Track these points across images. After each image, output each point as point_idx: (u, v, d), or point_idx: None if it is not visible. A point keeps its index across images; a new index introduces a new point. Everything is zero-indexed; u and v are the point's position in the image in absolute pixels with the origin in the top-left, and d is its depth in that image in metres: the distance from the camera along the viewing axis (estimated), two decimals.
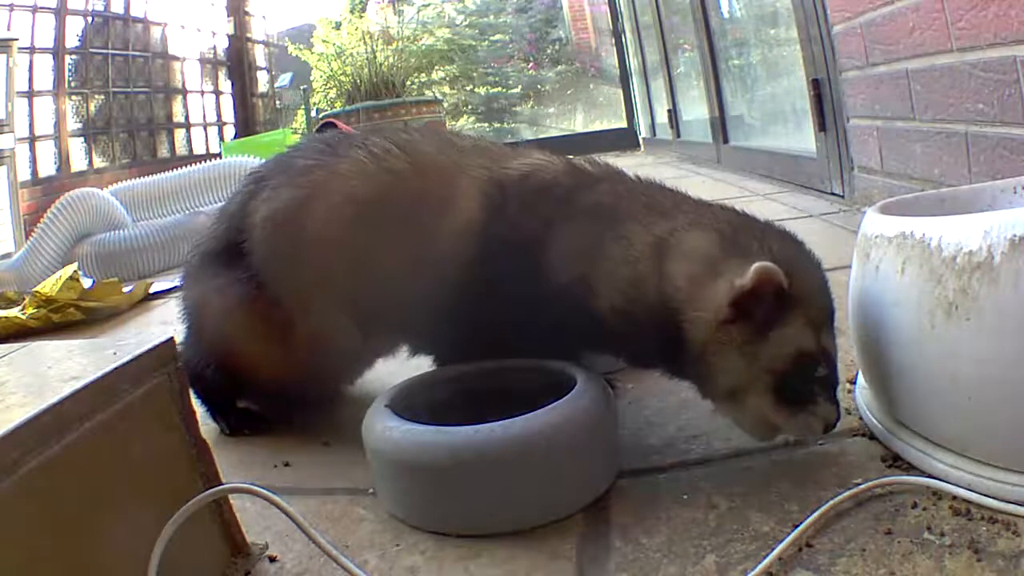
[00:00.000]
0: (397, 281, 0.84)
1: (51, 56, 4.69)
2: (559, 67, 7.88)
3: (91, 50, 5.00)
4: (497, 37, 7.77)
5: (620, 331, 0.75)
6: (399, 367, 0.94)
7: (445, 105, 6.24)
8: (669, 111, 4.40)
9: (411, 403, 0.77)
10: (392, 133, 0.92)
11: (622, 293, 0.74)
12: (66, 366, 0.57)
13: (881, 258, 0.68)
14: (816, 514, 0.60)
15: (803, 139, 2.31)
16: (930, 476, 0.63)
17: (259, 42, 6.86)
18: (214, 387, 0.95)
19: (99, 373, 0.54)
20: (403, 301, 0.85)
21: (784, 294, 0.65)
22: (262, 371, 0.91)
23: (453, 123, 7.20)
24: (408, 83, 5.39)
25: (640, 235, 0.74)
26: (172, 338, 0.62)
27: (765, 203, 2.20)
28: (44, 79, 4.64)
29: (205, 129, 6.17)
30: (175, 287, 2.20)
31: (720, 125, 3.32)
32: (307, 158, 0.91)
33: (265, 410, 0.99)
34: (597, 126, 7.22)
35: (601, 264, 0.75)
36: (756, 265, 0.65)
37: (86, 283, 1.88)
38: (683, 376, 0.75)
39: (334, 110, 5.09)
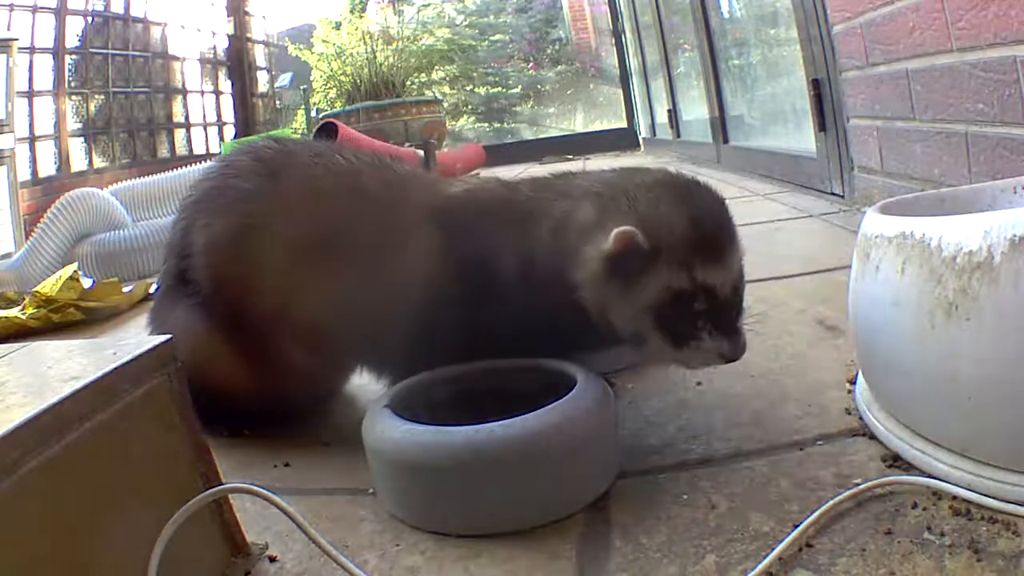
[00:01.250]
0: (348, 310, 0.86)
1: (51, 56, 4.69)
2: (559, 67, 7.88)
3: (91, 50, 5.01)
4: (497, 37, 7.78)
5: (568, 320, 0.79)
6: None
7: (445, 105, 6.24)
8: (669, 111, 4.40)
9: (411, 403, 0.77)
10: (331, 156, 0.93)
11: (548, 281, 0.78)
12: (66, 366, 0.57)
13: (881, 258, 0.68)
14: (816, 514, 0.60)
15: (803, 139, 2.31)
16: (930, 476, 0.63)
17: (259, 42, 6.86)
18: (202, 401, 0.95)
19: (99, 373, 0.54)
20: (356, 330, 0.87)
21: (645, 252, 0.72)
22: (237, 395, 0.91)
23: (453, 123, 7.20)
24: (408, 83, 5.39)
25: (546, 222, 0.80)
26: (172, 338, 0.62)
27: (765, 203, 2.21)
28: (44, 79, 4.65)
29: (205, 129, 6.17)
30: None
31: (720, 125, 3.32)
32: (245, 181, 0.91)
33: (254, 415, 0.98)
34: (597, 126, 7.22)
35: (533, 262, 0.80)
36: (614, 232, 0.72)
37: (86, 283, 1.88)
38: (612, 337, 0.80)
39: (334, 110, 5.09)
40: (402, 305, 0.84)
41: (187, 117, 5.95)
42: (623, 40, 5.66)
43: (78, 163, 4.88)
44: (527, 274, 0.80)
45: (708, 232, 0.75)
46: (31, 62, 4.52)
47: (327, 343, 0.89)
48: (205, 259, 0.90)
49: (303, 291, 0.87)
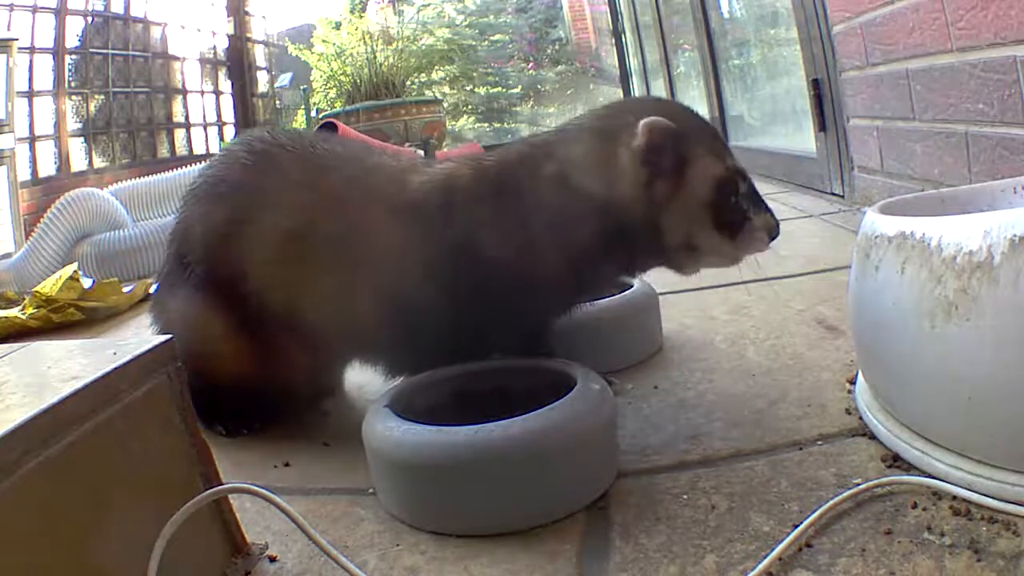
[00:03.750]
0: (341, 300, 0.86)
1: (51, 56, 4.69)
2: (559, 67, 7.88)
3: (91, 50, 5.00)
4: (497, 37, 7.77)
5: (587, 262, 0.79)
6: None
7: (445, 105, 6.24)
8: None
9: (411, 403, 0.77)
10: (316, 148, 0.93)
11: (568, 224, 0.77)
12: (66, 366, 0.57)
13: (881, 258, 0.68)
14: (816, 514, 0.60)
15: (803, 139, 2.31)
16: (930, 476, 0.63)
17: (259, 42, 6.86)
18: (200, 397, 0.95)
19: (99, 373, 0.54)
20: (350, 321, 0.87)
21: (678, 136, 0.72)
22: (230, 379, 0.91)
23: (453, 123, 7.19)
24: (408, 83, 5.38)
25: (545, 169, 0.79)
26: (172, 338, 0.62)
27: None
28: (44, 79, 4.64)
29: (205, 129, 6.17)
30: None
31: (720, 125, 3.32)
32: (237, 173, 0.93)
33: (255, 411, 0.98)
34: None
35: (540, 214, 0.79)
36: (641, 123, 0.72)
37: (86, 283, 1.88)
38: (648, 259, 0.81)
39: (334, 110, 5.09)
40: (400, 293, 0.83)
41: (187, 117, 5.95)
42: (623, 40, 5.66)
43: (78, 163, 4.88)
44: (533, 233, 0.79)
45: (711, 125, 0.78)
46: (31, 62, 4.52)
47: (319, 334, 0.89)
48: (202, 248, 0.91)
49: (291, 283, 0.87)
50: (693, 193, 0.73)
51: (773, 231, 0.77)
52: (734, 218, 0.74)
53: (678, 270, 0.82)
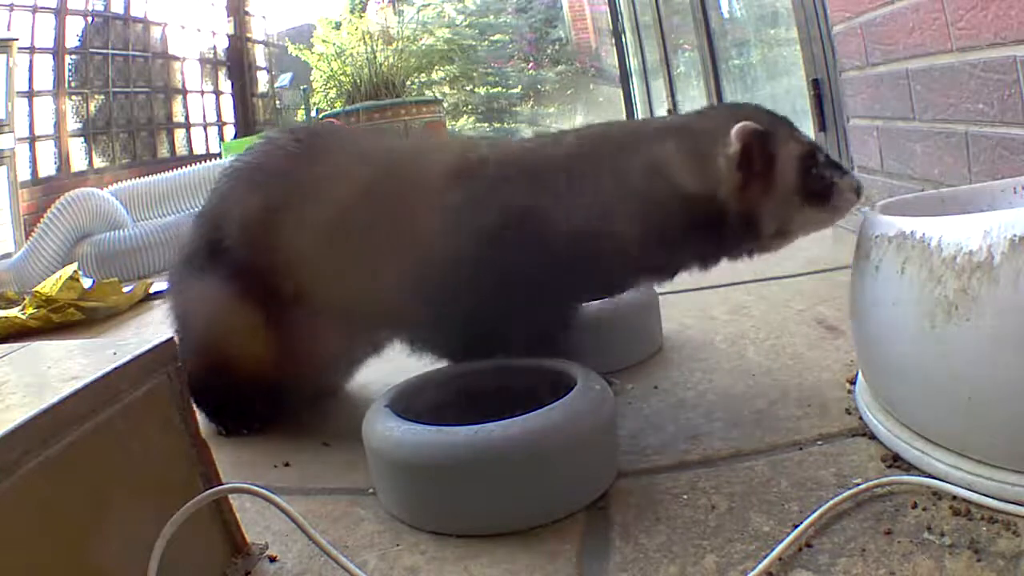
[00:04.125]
0: (390, 279, 0.86)
1: (51, 56, 4.69)
2: (559, 67, 7.88)
3: (91, 50, 5.00)
4: (497, 37, 7.77)
5: (650, 250, 0.82)
6: (400, 367, 0.94)
7: (445, 105, 6.24)
8: (669, 111, 4.39)
9: (411, 403, 0.77)
10: (362, 136, 0.95)
11: (653, 212, 0.81)
12: (66, 366, 0.57)
13: (881, 258, 0.68)
14: (816, 514, 0.60)
15: None
16: (930, 476, 0.63)
17: (259, 42, 6.85)
18: (208, 388, 0.94)
19: (99, 373, 0.54)
20: (401, 298, 0.86)
21: (764, 135, 0.77)
22: (250, 369, 0.91)
23: (453, 123, 7.19)
24: (408, 83, 5.38)
25: (636, 158, 0.82)
26: (172, 338, 0.62)
27: None
28: (44, 79, 4.64)
29: (205, 129, 6.17)
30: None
31: None
32: (281, 158, 0.93)
33: (260, 409, 0.98)
34: None
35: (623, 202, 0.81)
36: (733, 130, 0.76)
37: (86, 283, 1.89)
38: (727, 249, 0.83)
39: (334, 110, 5.08)
40: (446, 267, 0.83)
41: (187, 117, 5.95)
42: (623, 40, 5.65)
43: (78, 163, 4.88)
44: (614, 210, 0.81)
45: (779, 115, 0.83)
46: (31, 62, 4.51)
47: (358, 322, 0.90)
48: (240, 233, 0.90)
49: (341, 261, 0.87)
50: (783, 182, 0.78)
51: (859, 188, 0.81)
52: (822, 188, 0.79)
53: (764, 252, 0.85)
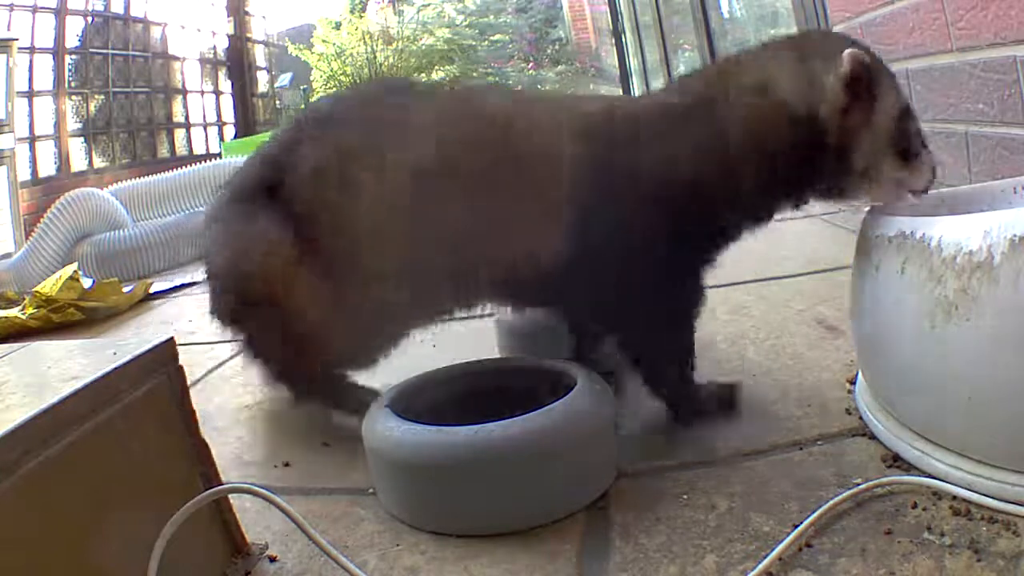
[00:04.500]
0: (495, 238, 0.82)
1: (51, 56, 4.69)
2: (559, 67, 7.88)
3: (91, 50, 5.00)
4: (497, 37, 7.77)
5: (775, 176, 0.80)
6: (400, 367, 0.94)
7: None
8: None
9: (411, 403, 0.77)
10: (458, 88, 0.91)
11: (766, 134, 0.79)
12: (66, 366, 0.57)
13: (881, 258, 0.68)
14: (816, 514, 0.60)
15: None
16: (930, 476, 0.63)
17: (259, 42, 6.86)
18: (262, 339, 0.92)
19: (99, 373, 0.54)
20: (511, 260, 0.83)
21: (874, 68, 0.76)
22: (303, 324, 0.86)
23: None
24: None
25: (744, 79, 0.81)
26: (172, 338, 0.62)
27: None
28: (44, 79, 4.64)
29: (205, 129, 6.17)
30: (176, 286, 2.22)
31: None
32: (368, 108, 0.88)
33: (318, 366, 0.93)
34: None
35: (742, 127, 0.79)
36: (846, 54, 0.74)
37: (86, 283, 1.88)
38: (821, 184, 0.81)
39: None
40: (565, 223, 0.80)
41: (187, 117, 5.95)
42: (623, 40, 5.65)
43: (78, 163, 4.88)
44: (726, 157, 0.79)
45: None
46: (31, 62, 4.52)
47: (432, 279, 0.85)
48: (310, 182, 0.85)
49: (430, 220, 0.83)
50: (881, 122, 0.77)
51: (936, 171, 0.79)
52: (913, 147, 0.78)
53: (842, 199, 0.83)
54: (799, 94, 0.78)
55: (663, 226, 0.79)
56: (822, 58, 0.78)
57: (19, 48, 4.23)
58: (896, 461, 0.68)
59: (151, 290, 2.12)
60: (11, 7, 4.36)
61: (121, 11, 5.31)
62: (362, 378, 1.04)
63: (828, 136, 0.77)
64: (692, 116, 0.81)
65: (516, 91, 0.94)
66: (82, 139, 4.97)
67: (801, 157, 0.79)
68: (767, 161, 0.79)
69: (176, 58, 5.85)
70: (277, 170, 0.88)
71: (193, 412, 0.63)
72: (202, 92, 6.18)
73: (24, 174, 4.30)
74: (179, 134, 5.85)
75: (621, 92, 5.83)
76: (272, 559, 0.66)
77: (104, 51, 5.11)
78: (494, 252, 0.83)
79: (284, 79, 7.29)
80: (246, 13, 6.63)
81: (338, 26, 6.13)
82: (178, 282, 2.25)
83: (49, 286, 1.85)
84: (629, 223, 0.79)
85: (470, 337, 1.14)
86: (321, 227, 0.85)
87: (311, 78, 6.16)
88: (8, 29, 4.29)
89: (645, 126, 0.83)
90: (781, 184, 0.82)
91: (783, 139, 0.78)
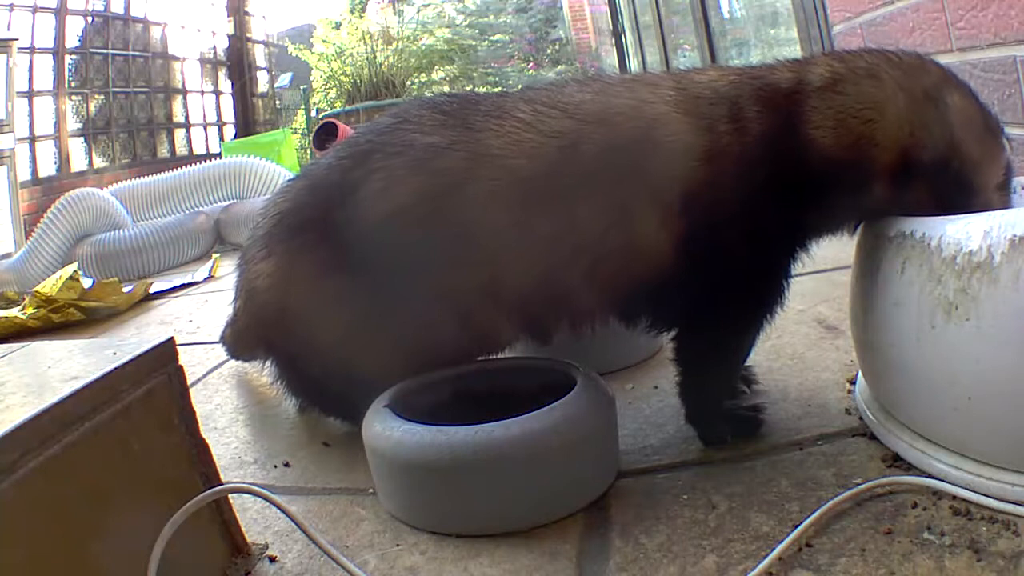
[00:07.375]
0: (597, 251, 0.75)
1: (51, 56, 4.69)
2: (559, 67, 7.88)
3: (91, 50, 5.00)
4: (497, 37, 7.77)
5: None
6: None
7: None
8: None
9: (411, 403, 0.77)
10: (527, 93, 0.80)
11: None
12: (66, 366, 0.57)
13: (881, 258, 0.68)
14: (816, 514, 0.60)
15: None
16: (930, 476, 0.63)
17: (259, 42, 6.85)
18: (315, 379, 0.87)
19: (99, 373, 0.54)
20: (607, 273, 0.76)
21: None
22: (380, 365, 0.81)
23: None
24: (408, 83, 5.38)
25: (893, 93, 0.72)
26: (172, 338, 0.62)
27: None
28: (44, 79, 4.64)
29: (205, 129, 6.17)
30: (177, 286, 2.22)
31: None
32: (430, 134, 0.79)
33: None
34: None
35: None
36: (1006, 150, 0.72)
37: (86, 283, 1.89)
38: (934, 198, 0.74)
39: (334, 110, 5.09)
40: (684, 223, 0.73)
41: (187, 117, 5.95)
42: (623, 40, 5.65)
43: (78, 163, 4.88)
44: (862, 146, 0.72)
45: None
46: (31, 62, 4.51)
47: (548, 306, 0.79)
48: (390, 226, 0.77)
49: (529, 243, 0.76)
50: (1002, 150, 0.73)
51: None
52: (1006, 187, 0.74)
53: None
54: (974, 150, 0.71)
55: (786, 221, 0.76)
56: (991, 131, 0.72)
57: (19, 48, 4.23)
58: (896, 461, 0.68)
59: (151, 290, 2.12)
60: (11, 7, 4.36)
61: (121, 11, 5.31)
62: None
63: (977, 188, 0.71)
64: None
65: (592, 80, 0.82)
66: (82, 139, 4.96)
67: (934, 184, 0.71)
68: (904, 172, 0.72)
69: (176, 58, 5.85)
70: (336, 205, 0.80)
71: (193, 412, 0.63)
72: (202, 92, 6.18)
73: (24, 174, 4.30)
74: (179, 134, 5.85)
75: None
76: (272, 559, 0.66)
77: (104, 51, 5.11)
78: (620, 252, 0.76)
79: (284, 79, 7.28)
80: (246, 13, 6.62)
81: (338, 26, 6.12)
82: (178, 282, 2.26)
83: (49, 286, 1.85)
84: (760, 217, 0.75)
85: None
86: (394, 265, 0.78)
87: (311, 78, 6.15)
88: (8, 29, 4.29)
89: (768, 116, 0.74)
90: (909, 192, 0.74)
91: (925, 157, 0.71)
